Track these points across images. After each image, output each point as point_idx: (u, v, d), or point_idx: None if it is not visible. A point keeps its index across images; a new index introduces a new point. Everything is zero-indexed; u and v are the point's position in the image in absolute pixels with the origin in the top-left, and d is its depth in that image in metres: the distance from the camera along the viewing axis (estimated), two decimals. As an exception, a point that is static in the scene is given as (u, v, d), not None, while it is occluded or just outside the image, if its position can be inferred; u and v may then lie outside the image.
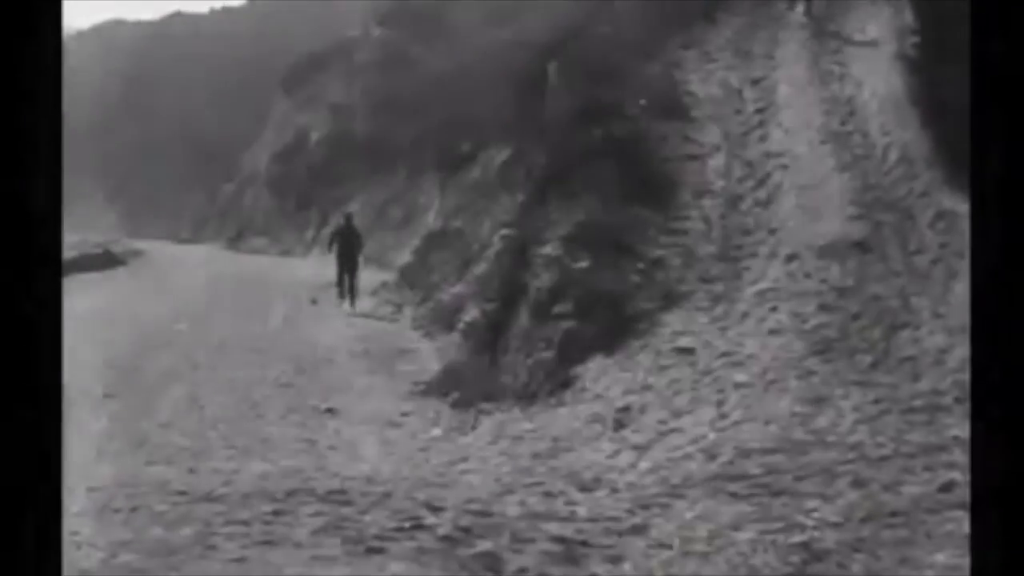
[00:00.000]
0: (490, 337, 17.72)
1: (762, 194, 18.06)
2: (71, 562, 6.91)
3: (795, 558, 7.63)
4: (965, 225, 13.05)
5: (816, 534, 8.03)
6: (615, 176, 18.88)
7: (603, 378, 14.86)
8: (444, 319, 21.17)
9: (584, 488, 10.09)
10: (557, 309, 16.63)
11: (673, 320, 15.56)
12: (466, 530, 8.21)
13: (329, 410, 15.18)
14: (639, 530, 8.48)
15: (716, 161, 19.38)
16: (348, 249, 25.78)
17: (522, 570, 7.57)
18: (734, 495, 9.36)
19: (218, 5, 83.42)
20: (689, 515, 8.79)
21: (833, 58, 21.25)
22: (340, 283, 25.69)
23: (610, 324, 15.92)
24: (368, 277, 26.26)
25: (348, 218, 27.61)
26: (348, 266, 25.61)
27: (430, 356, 19.43)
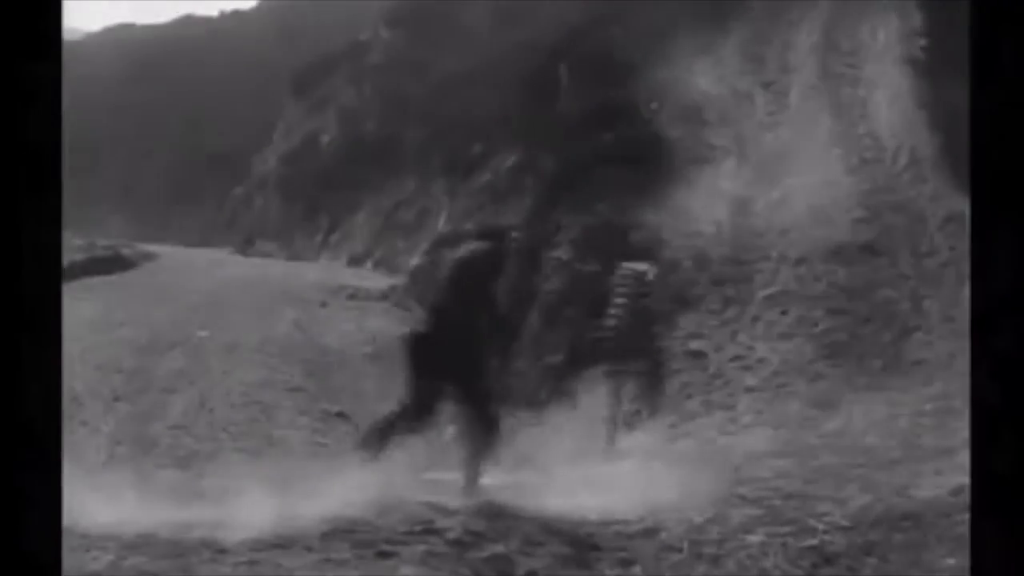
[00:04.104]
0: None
1: (773, 197, 18.05)
2: (80, 564, 6.91)
3: (805, 561, 7.62)
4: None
5: (827, 537, 8.02)
6: (625, 179, 18.87)
7: (614, 381, 14.85)
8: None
9: (595, 491, 10.07)
10: (567, 313, 16.62)
11: (684, 323, 15.56)
12: (477, 533, 8.20)
13: (339, 414, 15.17)
14: (650, 533, 8.46)
15: (727, 164, 19.37)
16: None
17: (532, 573, 7.56)
18: (744, 498, 9.35)
19: (228, 8, 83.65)
20: (699, 519, 8.77)
21: (843, 61, 21.22)
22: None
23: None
24: (377, 281, 26.17)
25: (495, 240, 10.21)
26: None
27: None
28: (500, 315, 10.90)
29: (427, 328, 10.00)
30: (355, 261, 35.04)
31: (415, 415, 9.98)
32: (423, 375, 9.84)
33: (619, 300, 13.07)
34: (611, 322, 13.01)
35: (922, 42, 19.65)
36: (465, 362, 9.87)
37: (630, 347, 12.99)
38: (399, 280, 27.02)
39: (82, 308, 18.00)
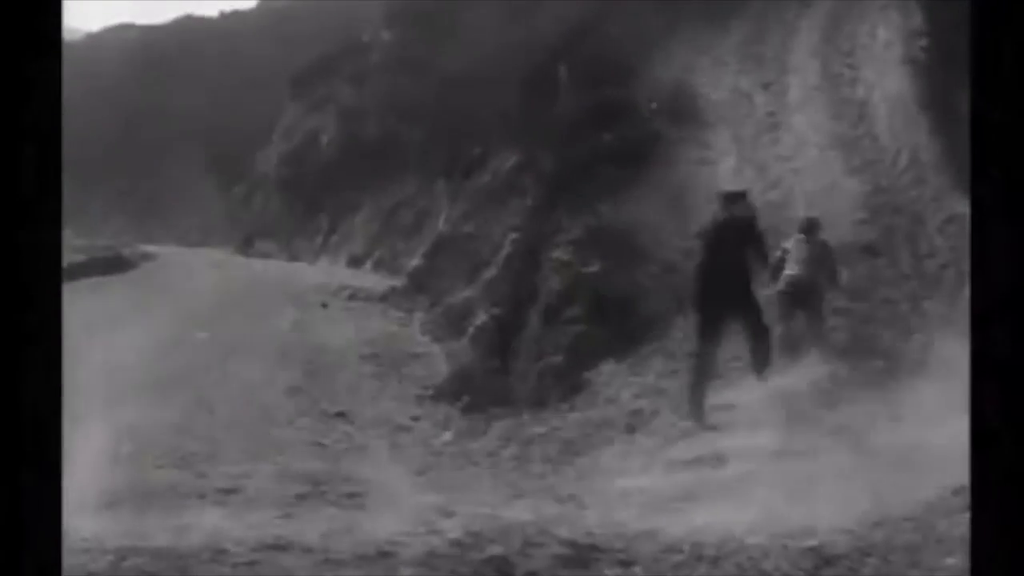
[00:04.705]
0: (500, 342, 17.70)
1: (773, 198, 18.04)
2: (80, 565, 6.91)
3: (806, 563, 7.61)
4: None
5: (827, 538, 8.01)
6: (625, 179, 18.87)
7: (614, 382, 14.84)
8: (454, 324, 21.12)
9: (595, 492, 10.07)
10: (568, 313, 16.61)
11: (684, 324, 15.55)
12: (476, 534, 8.19)
13: (339, 414, 15.16)
14: (650, 534, 8.45)
15: (727, 164, 19.37)
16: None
17: (532, 574, 7.55)
18: (745, 499, 9.34)
19: (228, 8, 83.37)
20: (700, 520, 8.77)
21: (843, 62, 21.20)
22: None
23: (621, 328, 15.91)
24: (377, 282, 26.10)
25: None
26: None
27: (440, 360, 19.39)
28: (763, 252, 13.46)
29: (709, 268, 13.18)
30: (355, 262, 35.02)
31: (706, 347, 13.06)
32: (708, 307, 13.08)
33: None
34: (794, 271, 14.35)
35: (922, 42, 19.62)
36: (741, 290, 12.96)
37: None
38: (399, 281, 26.99)
39: (82, 309, 17.93)
